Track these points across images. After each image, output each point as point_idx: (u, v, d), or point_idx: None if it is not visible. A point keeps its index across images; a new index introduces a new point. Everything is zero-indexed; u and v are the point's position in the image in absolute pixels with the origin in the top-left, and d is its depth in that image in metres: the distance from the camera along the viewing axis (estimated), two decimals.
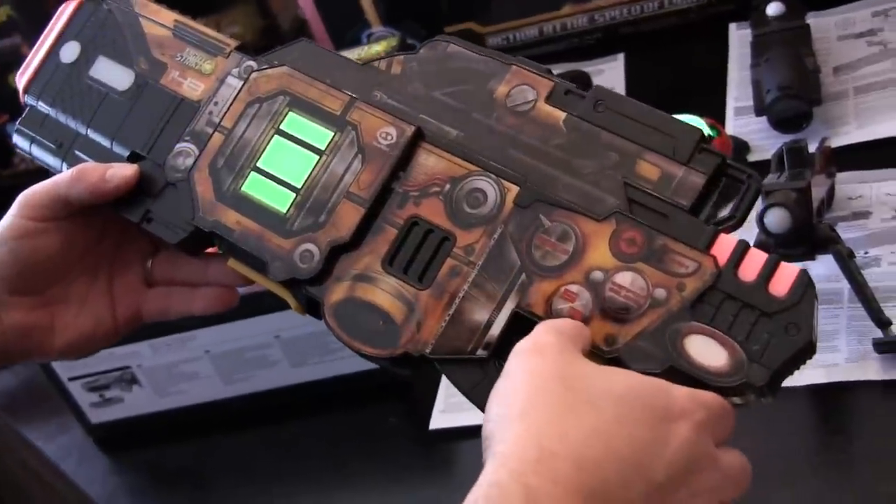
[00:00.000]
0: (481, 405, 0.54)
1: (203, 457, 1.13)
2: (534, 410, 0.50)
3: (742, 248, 0.55)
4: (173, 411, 1.13)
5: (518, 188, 0.59)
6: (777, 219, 0.92)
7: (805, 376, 0.89)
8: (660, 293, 0.55)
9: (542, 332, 0.54)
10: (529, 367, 0.52)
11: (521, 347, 0.53)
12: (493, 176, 0.60)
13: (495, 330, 0.57)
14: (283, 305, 0.64)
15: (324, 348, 1.06)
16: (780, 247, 0.93)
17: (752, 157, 1.13)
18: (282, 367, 1.08)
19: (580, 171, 0.59)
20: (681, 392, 0.51)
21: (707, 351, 0.54)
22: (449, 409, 1.02)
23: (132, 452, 1.15)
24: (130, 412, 1.14)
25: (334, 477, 1.04)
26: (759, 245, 0.92)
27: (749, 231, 0.93)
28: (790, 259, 0.92)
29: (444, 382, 1.04)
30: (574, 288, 0.57)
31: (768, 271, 0.55)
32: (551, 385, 0.50)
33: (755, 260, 0.55)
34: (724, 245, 0.56)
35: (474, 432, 0.52)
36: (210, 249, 0.68)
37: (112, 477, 1.14)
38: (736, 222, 0.57)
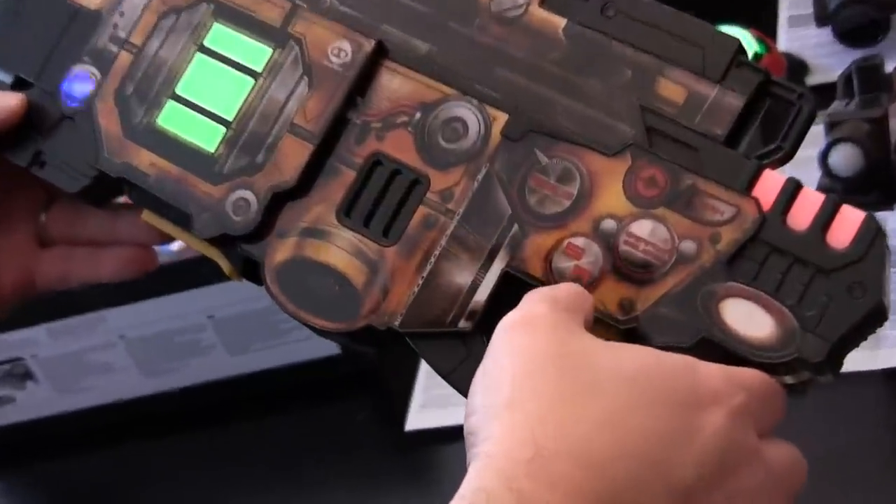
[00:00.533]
0: (465, 391, 0.54)
1: (120, 470, 1.13)
2: (524, 399, 0.50)
3: (792, 189, 0.55)
4: (80, 413, 1.14)
5: (507, 116, 0.59)
6: (845, 157, 0.92)
7: (882, 357, 0.90)
8: (688, 246, 0.55)
9: (533, 302, 0.54)
10: (517, 345, 0.52)
11: (508, 321, 0.53)
12: (474, 100, 0.60)
13: (481, 295, 0.58)
14: (218, 276, 0.65)
15: (271, 330, 1.06)
16: (849, 193, 0.93)
17: (811, 80, 1.13)
18: (218, 354, 1.09)
19: (585, 92, 0.59)
20: (712, 371, 0.51)
21: (749, 318, 0.54)
22: (430, 403, 1.03)
23: (27, 467, 1.16)
24: (24, 416, 1.15)
25: (289, 490, 1.05)
26: (823, 192, 0.93)
27: (810, 172, 0.93)
28: (862, 208, 0.92)
29: (424, 369, 1.05)
30: (579, 241, 0.57)
31: (826, 217, 0.55)
32: (545, 367, 0.51)
33: (809, 202, 0.55)
34: (770, 184, 0.56)
35: (461, 433, 0.52)
36: (120, 199, 0.69)
37: (1, 499, 1.15)
38: (784, 155, 0.57)
